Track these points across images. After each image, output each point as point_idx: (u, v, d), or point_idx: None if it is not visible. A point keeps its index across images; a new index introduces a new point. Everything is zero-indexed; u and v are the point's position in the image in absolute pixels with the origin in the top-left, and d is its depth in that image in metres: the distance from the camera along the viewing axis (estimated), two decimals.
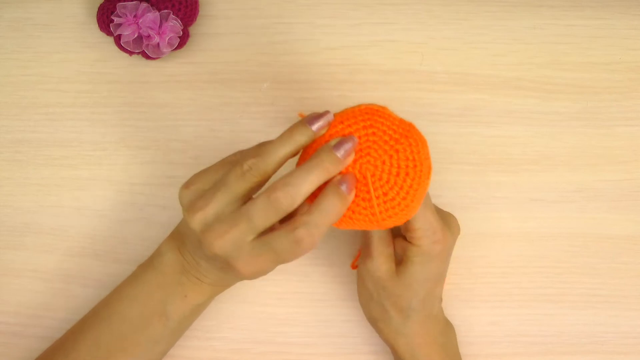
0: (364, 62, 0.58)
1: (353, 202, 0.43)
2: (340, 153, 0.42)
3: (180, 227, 0.50)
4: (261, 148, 0.43)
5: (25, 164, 0.57)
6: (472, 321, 0.55)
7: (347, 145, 0.42)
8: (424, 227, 0.47)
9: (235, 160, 0.45)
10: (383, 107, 0.45)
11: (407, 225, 0.47)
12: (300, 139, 0.43)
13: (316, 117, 0.44)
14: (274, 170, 0.43)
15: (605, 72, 0.58)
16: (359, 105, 0.45)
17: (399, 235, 0.50)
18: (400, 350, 0.50)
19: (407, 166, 0.43)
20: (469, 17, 0.58)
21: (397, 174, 0.43)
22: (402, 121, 0.44)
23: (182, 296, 0.49)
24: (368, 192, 0.43)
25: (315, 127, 0.43)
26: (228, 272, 0.46)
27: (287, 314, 0.56)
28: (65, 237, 0.57)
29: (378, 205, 0.43)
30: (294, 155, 0.44)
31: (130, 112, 0.58)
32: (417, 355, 0.50)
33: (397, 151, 0.43)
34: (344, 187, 0.42)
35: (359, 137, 0.43)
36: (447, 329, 0.53)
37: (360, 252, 0.53)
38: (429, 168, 0.44)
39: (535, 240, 0.57)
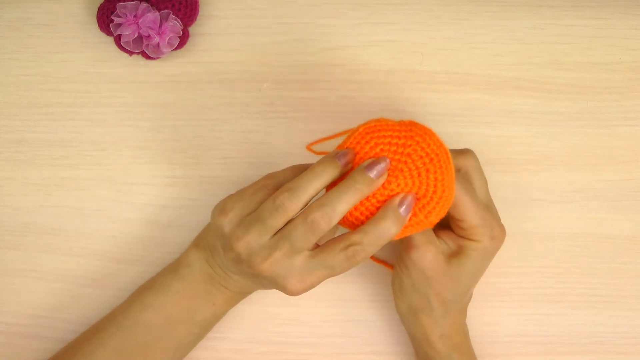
0: (364, 62, 0.58)
1: None
2: (372, 174, 0.44)
3: (210, 240, 0.49)
4: (294, 183, 0.44)
5: (25, 164, 0.57)
6: (472, 321, 0.55)
7: (379, 167, 0.44)
8: (482, 224, 0.48)
9: (266, 185, 0.46)
10: (377, 120, 0.46)
11: (465, 224, 0.48)
12: (333, 172, 0.44)
13: (343, 154, 0.45)
14: (305, 205, 0.45)
15: (605, 72, 0.58)
16: (357, 129, 0.46)
17: (448, 227, 0.50)
18: (433, 339, 0.51)
19: (424, 164, 0.44)
20: (469, 17, 0.58)
21: (419, 175, 0.44)
22: (401, 124, 0.45)
23: (211, 304, 0.50)
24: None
25: (342, 161, 0.45)
26: (268, 287, 0.48)
27: (287, 314, 0.56)
28: (65, 237, 0.57)
29: (419, 209, 0.45)
30: (323, 188, 0.45)
31: (130, 112, 0.58)
32: (450, 345, 0.51)
33: (409, 155, 0.44)
34: (402, 211, 0.44)
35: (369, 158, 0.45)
36: (465, 320, 0.54)
37: None
38: (446, 153, 0.45)
39: (535, 240, 0.57)
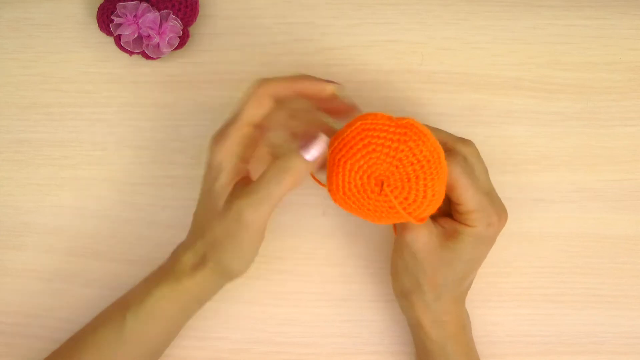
0: (364, 62, 0.58)
1: (384, 213, 0.46)
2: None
3: (193, 226, 0.51)
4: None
5: (25, 164, 0.57)
6: (473, 321, 0.55)
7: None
8: (479, 209, 0.48)
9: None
10: (374, 117, 0.46)
11: (462, 208, 0.48)
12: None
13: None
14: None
15: (605, 72, 0.58)
16: (354, 122, 0.46)
17: (447, 214, 0.50)
18: (426, 325, 0.50)
19: (414, 170, 0.44)
20: (469, 17, 0.58)
21: (409, 180, 0.44)
22: (397, 125, 0.45)
23: (196, 302, 0.51)
24: (392, 202, 0.45)
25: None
26: (234, 233, 0.46)
27: (287, 314, 0.56)
28: (65, 237, 0.57)
29: (404, 209, 0.45)
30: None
31: (130, 112, 0.58)
32: (444, 334, 0.51)
33: (400, 160, 0.44)
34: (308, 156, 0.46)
35: (362, 157, 0.45)
36: (466, 313, 0.53)
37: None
38: (439, 157, 0.45)
39: (535, 240, 0.57)
